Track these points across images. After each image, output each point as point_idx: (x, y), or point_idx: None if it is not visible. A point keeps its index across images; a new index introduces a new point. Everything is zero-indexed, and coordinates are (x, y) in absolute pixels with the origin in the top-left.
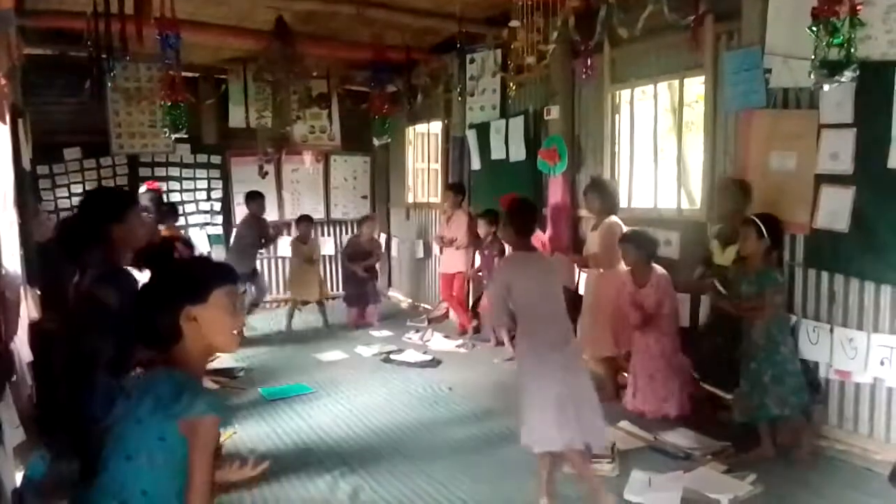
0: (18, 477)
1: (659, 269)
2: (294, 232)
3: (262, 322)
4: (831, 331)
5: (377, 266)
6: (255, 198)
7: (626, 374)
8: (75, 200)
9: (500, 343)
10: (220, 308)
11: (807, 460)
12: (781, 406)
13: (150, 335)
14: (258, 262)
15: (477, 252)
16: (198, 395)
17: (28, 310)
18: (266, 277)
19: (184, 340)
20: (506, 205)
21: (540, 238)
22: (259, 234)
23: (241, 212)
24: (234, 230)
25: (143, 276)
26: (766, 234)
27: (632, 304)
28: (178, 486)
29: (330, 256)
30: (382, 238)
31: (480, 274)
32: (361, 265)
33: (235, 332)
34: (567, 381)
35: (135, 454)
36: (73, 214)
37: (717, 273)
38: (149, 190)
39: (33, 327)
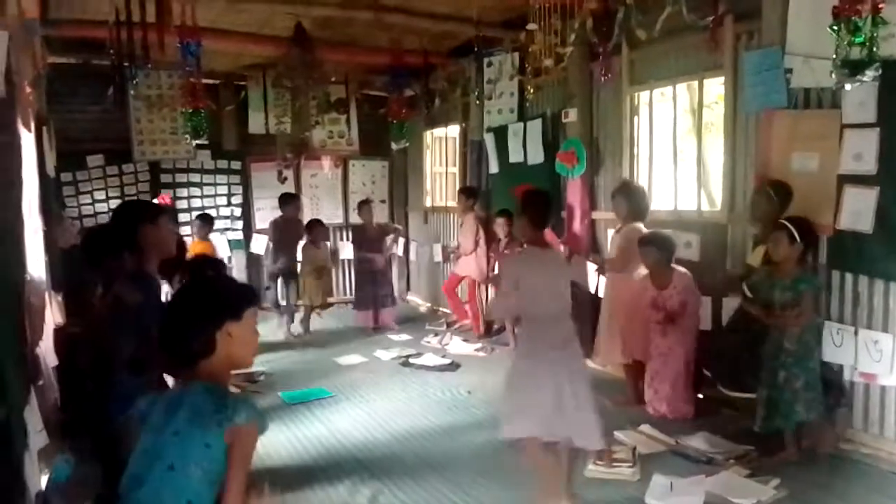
0: (43, 480)
1: (680, 269)
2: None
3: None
4: (856, 333)
5: (391, 252)
6: (290, 200)
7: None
8: (98, 207)
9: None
10: (250, 326)
11: (827, 460)
12: (809, 411)
13: (184, 347)
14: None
15: (492, 255)
16: (240, 403)
17: (53, 315)
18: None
19: (215, 355)
20: (520, 196)
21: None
22: (295, 235)
23: (260, 217)
24: (272, 230)
25: (166, 287)
26: (798, 239)
27: (653, 306)
28: (215, 494)
29: (349, 261)
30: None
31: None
32: (371, 254)
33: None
34: (559, 381)
35: (179, 465)
36: (99, 224)
37: (747, 274)
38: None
39: (58, 332)
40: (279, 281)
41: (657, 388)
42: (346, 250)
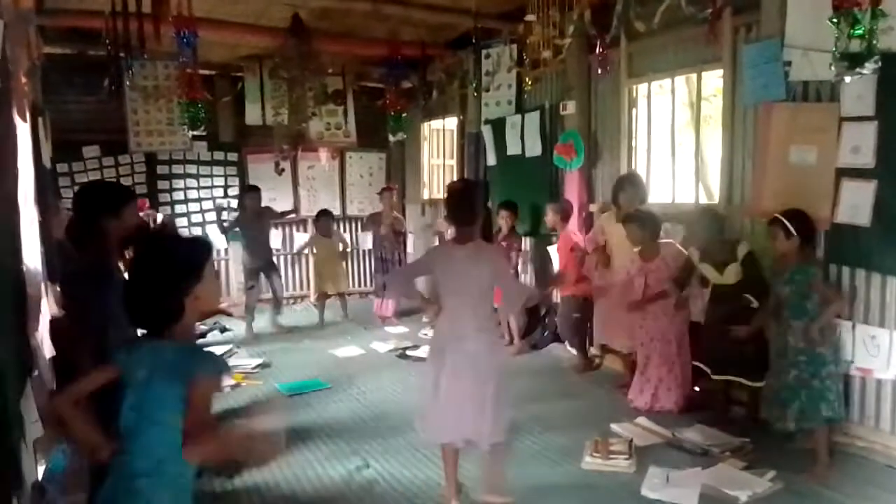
0: (39, 470)
1: (668, 242)
2: (311, 228)
3: (284, 318)
4: (853, 328)
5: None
6: (246, 193)
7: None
8: None
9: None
10: (210, 279)
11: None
12: (831, 410)
13: (153, 318)
14: (274, 257)
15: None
16: (206, 357)
17: (48, 306)
18: (284, 274)
19: (184, 317)
20: (447, 193)
21: (572, 236)
22: (264, 226)
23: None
24: (239, 228)
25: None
26: (794, 232)
27: (637, 275)
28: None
29: (347, 252)
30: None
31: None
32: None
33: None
34: (457, 374)
35: (161, 418)
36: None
37: (728, 295)
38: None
39: (53, 323)
40: (260, 276)
41: (647, 379)
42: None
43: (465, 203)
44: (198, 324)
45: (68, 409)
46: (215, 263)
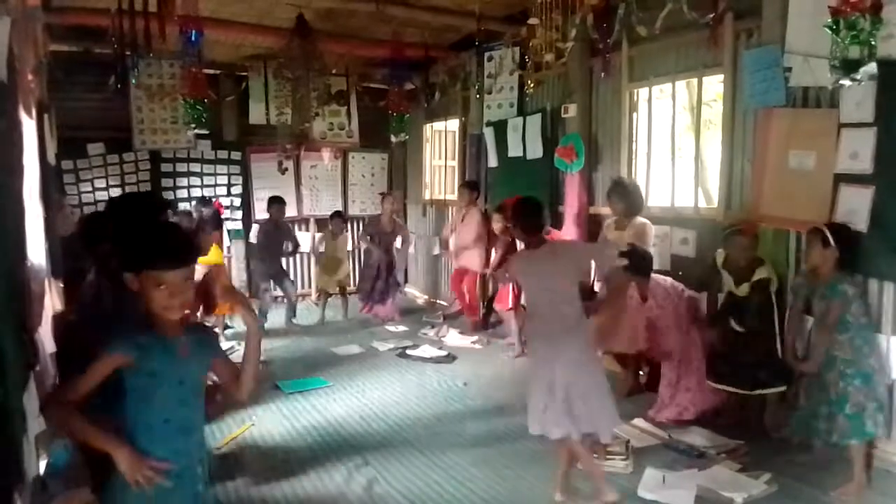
0: (41, 465)
1: (642, 220)
2: (313, 227)
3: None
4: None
5: (397, 250)
6: (274, 203)
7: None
8: (98, 195)
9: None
10: (151, 285)
11: (819, 455)
12: (875, 425)
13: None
14: (283, 261)
15: (493, 249)
16: (119, 335)
17: (52, 301)
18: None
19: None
20: (511, 207)
21: (557, 237)
22: (282, 238)
23: (260, 208)
24: (257, 233)
25: None
26: (833, 243)
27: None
28: (135, 415)
29: (348, 252)
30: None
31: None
32: (380, 247)
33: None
34: (559, 373)
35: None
36: (97, 210)
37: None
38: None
39: (56, 319)
40: (271, 282)
41: (674, 396)
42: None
43: (535, 213)
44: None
45: (64, 414)
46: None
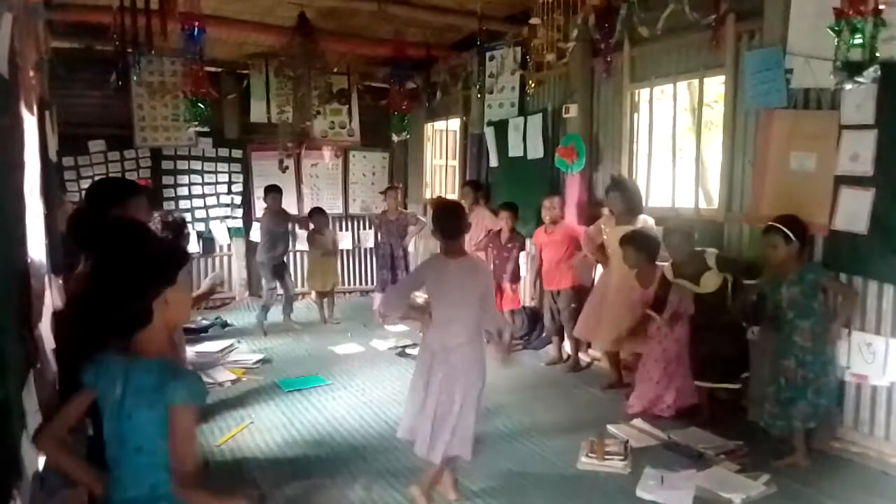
0: (40, 461)
1: (664, 264)
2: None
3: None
4: (849, 334)
5: (410, 240)
6: (269, 192)
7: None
8: None
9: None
10: (185, 287)
11: (818, 458)
12: (826, 410)
13: (119, 319)
14: (284, 257)
15: (491, 247)
16: (179, 381)
17: (52, 298)
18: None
19: (151, 324)
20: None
21: (577, 231)
22: (286, 223)
23: (261, 206)
24: (260, 226)
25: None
26: (794, 237)
27: (642, 302)
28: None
29: (347, 251)
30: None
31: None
32: (389, 240)
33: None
34: (436, 383)
35: (144, 445)
36: (79, 208)
37: (707, 304)
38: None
39: (56, 315)
40: (275, 280)
41: (647, 386)
42: (346, 241)
43: (453, 217)
44: (200, 318)
45: (53, 450)
46: (215, 263)
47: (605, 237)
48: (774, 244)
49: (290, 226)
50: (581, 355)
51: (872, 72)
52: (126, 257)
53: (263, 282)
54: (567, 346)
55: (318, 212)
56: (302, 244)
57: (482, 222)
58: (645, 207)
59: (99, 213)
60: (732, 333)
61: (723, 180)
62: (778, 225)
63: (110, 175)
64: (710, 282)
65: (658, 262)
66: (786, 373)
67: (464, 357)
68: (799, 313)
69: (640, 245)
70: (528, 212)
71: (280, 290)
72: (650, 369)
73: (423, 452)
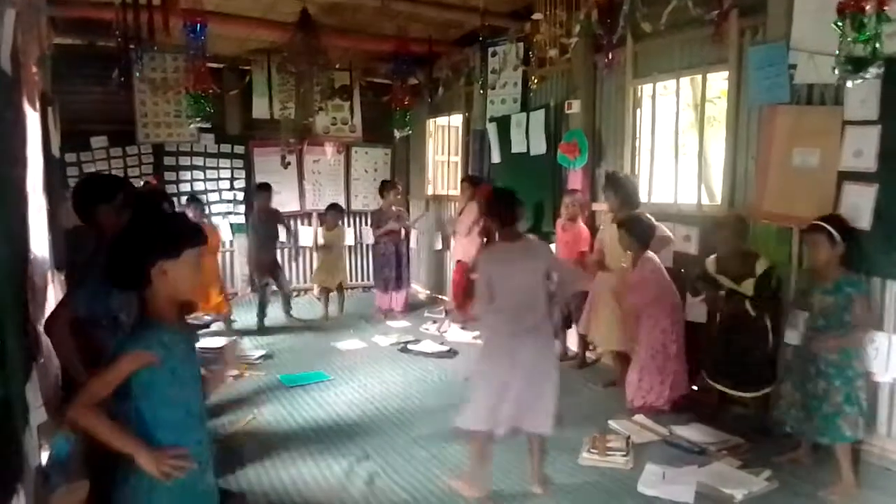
0: (43, 456)
1: (649, 255)
2: (315, 222)
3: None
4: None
5: (403, 235)
6: (259, 190)
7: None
8: None
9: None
10: (189, 265)
11: (819, 453)
12: (854, 428)
13: (120, 279)
14: (278, 254)
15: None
16: (140, 333)
17: (55, 293)
18: (287, 268)
19: (152, 288)
20: (485, 196)
21: (584, 234)
22: (275, 225)
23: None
24: (251, 224)
25: None
26: (839, 240)
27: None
28: (157, 413)
29: (350, 247)
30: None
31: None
32: (383, 230)
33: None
34: (512, 371)
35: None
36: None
37: (702, 275)
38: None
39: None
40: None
41: (638, 380)
42: (348, 237)
43: (509, 204)
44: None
45: (92, 418)
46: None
47: (603, 237)
48: (817, 244)
49: (279, 225)
50: (588, 353)
51: (876, 67)
52: (137, 223)
53: (255, 280)
54: (572, 344)
55: (332, 208)
56: (304, 241)
57: (472, 217)
58: (647, 203)
59: (85, 213)
60: (763, 339)
61: (725, 176)
62: (823, 224)
63: (112, 172)
64: (749, 287)
65: (650, 252)
66: (810, 381)
67: (537, 339)
68: (832, 322)
69: (631, 228)
70: (530, 207)
71: (274, 287)
72: (639, 360)
73: (520, 430)
